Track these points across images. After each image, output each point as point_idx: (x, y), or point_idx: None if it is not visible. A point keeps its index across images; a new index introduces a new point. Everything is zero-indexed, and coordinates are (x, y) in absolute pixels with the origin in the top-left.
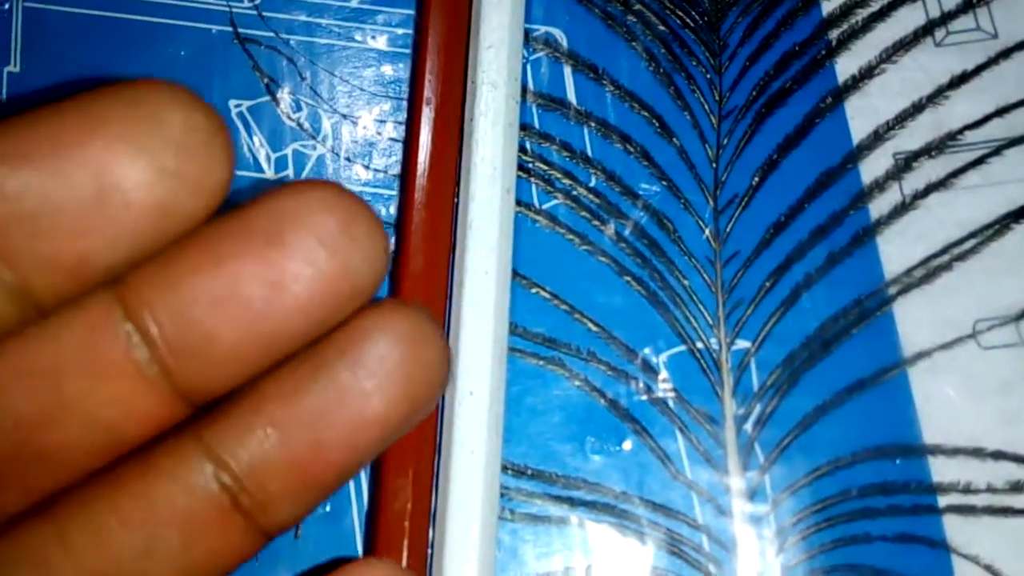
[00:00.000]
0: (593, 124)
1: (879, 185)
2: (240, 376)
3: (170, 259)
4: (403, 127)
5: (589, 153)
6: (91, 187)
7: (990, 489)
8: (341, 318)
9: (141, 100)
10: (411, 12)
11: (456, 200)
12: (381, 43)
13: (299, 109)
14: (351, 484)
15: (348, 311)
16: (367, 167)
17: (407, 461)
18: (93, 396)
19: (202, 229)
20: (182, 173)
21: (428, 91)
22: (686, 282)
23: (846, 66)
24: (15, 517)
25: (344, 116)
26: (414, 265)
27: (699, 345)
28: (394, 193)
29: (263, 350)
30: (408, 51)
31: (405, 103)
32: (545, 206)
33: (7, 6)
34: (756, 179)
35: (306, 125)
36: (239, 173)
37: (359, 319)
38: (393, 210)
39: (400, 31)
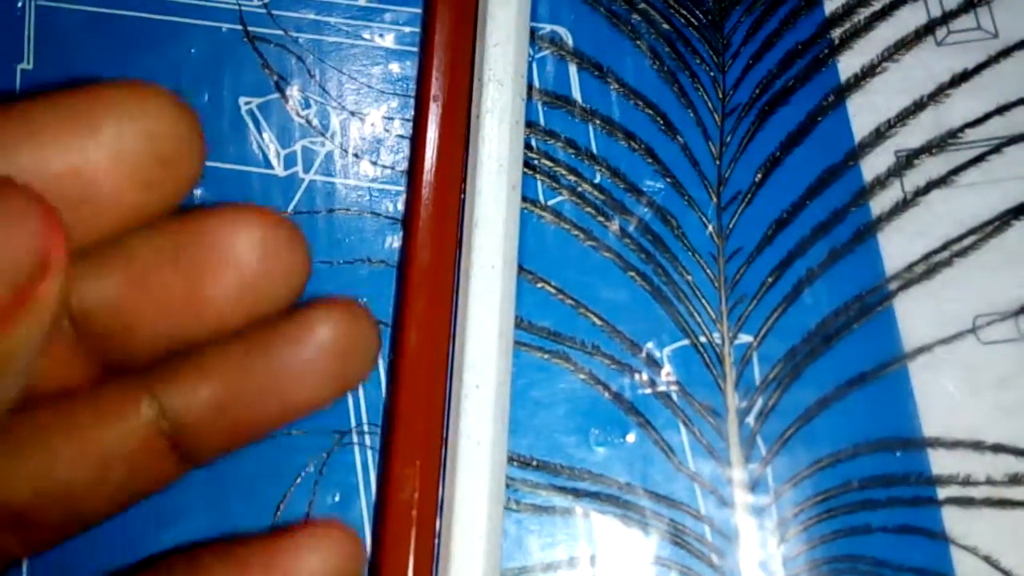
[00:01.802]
0: (598, 121)
1: (880, 182)
2: (161, 352)
3: (112, 262)
4: (410, 124)
5: (594, 150)
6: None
7: (989, 481)
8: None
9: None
10: (418, 10)
11: (463, 196)
12: (389, 41)
13: (308, 106)
14: (360, 474)
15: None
16: (375, 163)
17: (415, 452)
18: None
19: (145, 235)
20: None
21: (435, 88)
22: (689, 277)
23: (848, 64)
24: None
25: (352, 113)
26: (421, 260)
27: (702, 339)
28: (402, 189)
29: (181, 338)
30: (415, 49)
31: (412, 100)
32: (550, 202)
33: (20, 4)
34: (759, 176)
35: (315, 122)
36: (250, 169)
37: (304, 311)
38: (401, 205)
39: (407, 29)
